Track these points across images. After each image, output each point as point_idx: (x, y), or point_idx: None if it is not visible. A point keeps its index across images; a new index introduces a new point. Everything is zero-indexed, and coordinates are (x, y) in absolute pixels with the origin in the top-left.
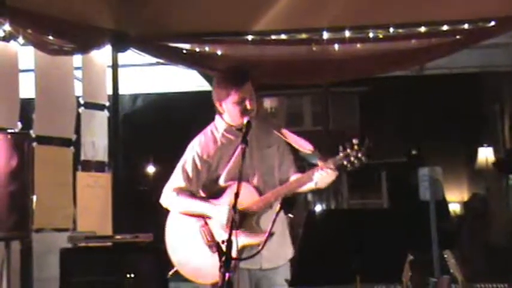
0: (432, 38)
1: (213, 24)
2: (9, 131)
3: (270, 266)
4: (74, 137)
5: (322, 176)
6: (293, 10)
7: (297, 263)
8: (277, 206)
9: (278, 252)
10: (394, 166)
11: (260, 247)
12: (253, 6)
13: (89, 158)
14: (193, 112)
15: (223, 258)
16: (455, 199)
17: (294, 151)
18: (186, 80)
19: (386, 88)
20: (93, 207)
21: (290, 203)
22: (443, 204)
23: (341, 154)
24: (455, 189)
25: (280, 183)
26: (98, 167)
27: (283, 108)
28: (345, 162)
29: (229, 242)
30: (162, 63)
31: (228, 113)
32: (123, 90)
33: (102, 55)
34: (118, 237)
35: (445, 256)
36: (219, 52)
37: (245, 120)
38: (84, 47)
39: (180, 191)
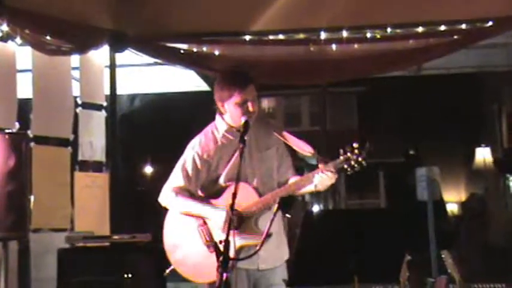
0: (430, 38)
1: (210, 24)
2: (7, 131)
3: (266, 266)
4: (71, 137)
5: (323, 178)
6: (291, 10)
7: (294, 263)
8: (275, 207)
9: (275, 253)
10: (392, 166)
11: (258, 247)
12: (251, 6)
13: (87, 158)
14: (191, 112)
15: (221, 258)
16: (453, 199)
17: (293, 152)
18: (184, 80)
19: (384, 88)
20: (90, 208)
21: (288, 203)
22: (440, 204)
23: (341, 157)
24: (453, 189)
25: (278, 185)
26: (96, 167)
27: (280, 109)
28: (346, 166)
29: (226, 242)
30: (160, 63)
31: (230, 114)
32: (120, 90)
33: (99, 55)
34: (116, 237)
35: (443, 256)
36: (216, 52)
37: (243, 120)
38: (82, 47)
39: (179, 190)
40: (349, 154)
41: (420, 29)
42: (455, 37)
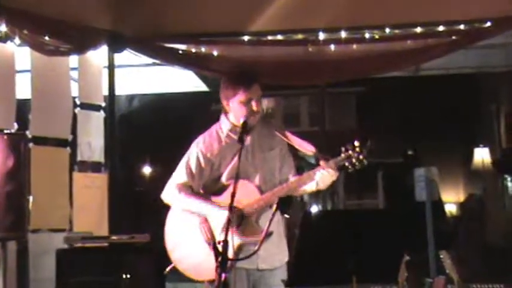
0: (428, 39)
1: (209, 25)
2: (6, 131)
3: (266, 266)
4: (70, 137)
5: (324, 175)
6: (289, 11)
7: (293, 263)
8: (273, 207)
9: (275, 253)
10: (390, 166)
11: (256, 247)
12: (249, 6)
13: (85, 158)
14: (190, 112)
15: (220, 259)
16: (452, 199)
17: (294, 151)
18: (183, 81)
19: (382, 88)
20: (89, 208)
21: (286, 203)
22: (439, 204)
23: (343, 155)
24: (452, 190)
25: (280, 184)
26: (94, 167)
27: (279, 109)
28: (347, 164)
29: (225, 242)
30: (158, 64)
31: (234, 113)
32: (119, 90)
33: (98, 56)
34: (114, 237)
35: (441, 256)
36: (215, 53)
37: (241, 120)
38: (81, 48)
39: (182, 186)
40: (350, 152)
41: (419, 30)
42: (454, 37)
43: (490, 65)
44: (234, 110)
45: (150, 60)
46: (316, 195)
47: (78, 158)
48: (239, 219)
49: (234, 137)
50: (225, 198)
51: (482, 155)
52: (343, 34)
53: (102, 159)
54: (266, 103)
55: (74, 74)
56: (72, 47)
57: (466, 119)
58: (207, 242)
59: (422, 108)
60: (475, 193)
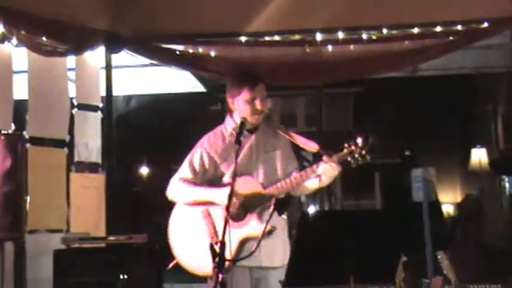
0: (426, 39)
1: (206, 26)
2: (3, 132)
3: (269, 264)
4: (67, 138)
5: (326, 169)
6: (286, 11)
7: (290, 263)
8: (271, 207)
9: (279, 252)
10: (388, 167)
11: (254, 247)
12: (246, 7)
13: (83, 159)
14: (187, 113)
15: (217, 259)
16: (449, 200)
17: (296, 152)
18: (180, 81)
19: (380, 89)
20: (87, 209)
21: (284, 203)
22: (436, 205)
23: (345, 150)
24: (449, 190)
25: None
26: (92, 168)
27: (276, 110)
28: (349, 159)
29: (222, 243)
30: (156, 65)
31: (238, 111)
32: (116, 91)
33: (95, 56)
34: (112, 238)
35: (439, 257)
36: (212, 53)
37: (239, 120)
38: (78, 48)
39: (186, 181)
40: (353, 147)
41: (416, 30)
42: (451, 38)
43: (487, 65)
44: (239, 109)
45: (148, 61)
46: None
47: (76, 159)
48: (242, 214)
49: None
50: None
51: (479, 156)
52: (341, 35)
53: (99, 160)
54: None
55: (72, 75)
56: (70, 47)
57: (463, 120)
58: (210, 236)
59: (419, 108)
60: (472, 193)
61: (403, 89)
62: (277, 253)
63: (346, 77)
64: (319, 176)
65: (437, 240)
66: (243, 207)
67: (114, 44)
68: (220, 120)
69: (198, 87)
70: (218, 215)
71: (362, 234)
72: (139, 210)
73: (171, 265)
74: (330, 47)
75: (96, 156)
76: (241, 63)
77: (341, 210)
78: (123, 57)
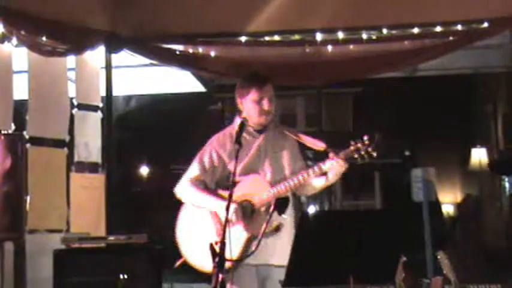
0: (425, 39)
1: (206, 26)
2: (3, 132)
3: (275, 262)
4: (67, 138)
5: (333, 165)
6: (286, 11)
7: (290, 263)
8: (270, 207)
9: (285, 250)
10: (387, 167)
11: (255, 247)
12: (246, 7)
13: (83, 159)
14: (187, 113)
15: (217, 259)
16: (449, 200)
17: (300, 149)
18: (180, 81)
19: (380, 89)
20: (86, 209)
21: (284, 204)
22: (436, 205)
23: (352, 147)
24: (449, 190)
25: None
26: (92, 168)
27: (276, 110)
28: (356, 155)
29: (222, 243)
30: (156, 65)
31: (246, 111)
32: (116, 91)
33: (95, 56)
34: (111, 238)
35: (438, 257)
36: (212, 53)
37: (239, 120)
38: (78, 48)
39: (195, 181)
40: (359, 144)
41: (416, 30)
42: (451, 38)
43: (487, 65)
44: (247, 109)
45: (148, 61)
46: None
47: (76, 159)
48: (250, 212)
49: (246, 136)
50: (235, 193)
51: (479, 156)
52: (340, 35)
53: (99, 160)
54: None
55: (72, 75)
56: (70, 47)
57: (463, 120)
58: (218, 234)
59: (419, 108)
60: (472, 194)
61: (403, 89)
62: (283, 251)
63: (346, 77)
64: (325, 173)
65: (437, 240)
66: (250, 207)
67: (114, 44)
68: (220, 120)
69: (198, 87)
70: (224, 214)
71: (362, 234)
72: (139, 210)
73: (178, 263)
74: (329, 47)
75: (96, 156)
76: (241, 63)
77: (341, 210)
78: (123, 57)
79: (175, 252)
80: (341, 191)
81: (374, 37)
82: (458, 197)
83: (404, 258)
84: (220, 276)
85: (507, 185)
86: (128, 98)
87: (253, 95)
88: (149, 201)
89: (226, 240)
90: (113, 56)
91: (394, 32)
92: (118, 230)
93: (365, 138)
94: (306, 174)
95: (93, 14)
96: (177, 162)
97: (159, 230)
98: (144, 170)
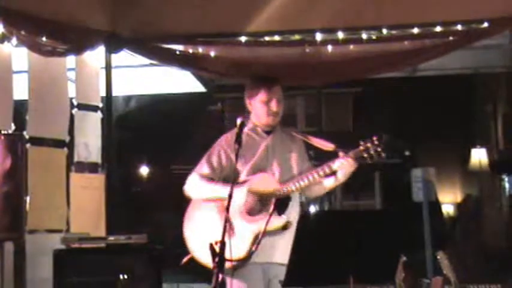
0: (425, 39)
1: (206, 26)
2: (3, 132)
3: (282, 261)
4: (67, 138)
5: (343, 164)
6: (286, 11)
7: (290, 263)
8: (271, 208)
9: (292, 249)
10: (388, 167)
11: (254, 248)
12: (246, 7)
13: (83, 159)
14: (187, 113)
15: (217, 259)
16: (449, 200)
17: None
18: (180, 81)
19: (380, 89)
20: (86, 209)
21: (283, 204)
22: (436, 205)
23: (361, 147)
24: (449, 190)
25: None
26: (92, 168)
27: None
28: (365, 155)
29: (222, 243)
30: (156, 65)
31: (255, 112)
32: (116, 91)
33: (95, 56)
34: (111, 238)
35: (438, 257)
36: (212, 53)
37: (239, 120)
38: (78, 48)
39: (203, 176)
40: (368, 144)
41: (416, 30)
42: (451, 38)
43: (487, 65)
44: (255, 109)
45: (147, 61)
46: None
47: (75, 159)
48: (259, 208)
49: (255, 136)
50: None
51: (479, 156)
52: (340, 35)
53: (99, 160)
54: None
55: (71, 75)
56: (69, 47)
57: (463, 120)
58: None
59: (419, 108)
60: (472, 194)
61: (403, 89)
62: (290, 250)
63: (346, 77)
64: (334, 172)
65: (437, 239)
66: (259, 203)
67: (114, 44)
68: (220, 120)
69: (198, 88)
70: (232, 209)
71: (362, 234)
72: (139, 210)
73: (185, 259)
74: (329, 47)
75: (96, 156)
76: (242, 63)
77: (341, 210)
78: (123, 57)
79: (175, 252)
80: (341, 191)
81: (374, 37)
82: (458, 197)
83: (404, 258)
84: (220, 276)
85: (507, 185)
86: (128, 98)
87: (262, 95)
88: (149, 201)
89: (227, 240)
90: (113, 56)
91: (394, 32)
92: (118, 230)
93: (374, 138)
94: (316, 174)
95: (93, 14)
96: (177, 162)
97: (159, 230)
98: (144, 170)
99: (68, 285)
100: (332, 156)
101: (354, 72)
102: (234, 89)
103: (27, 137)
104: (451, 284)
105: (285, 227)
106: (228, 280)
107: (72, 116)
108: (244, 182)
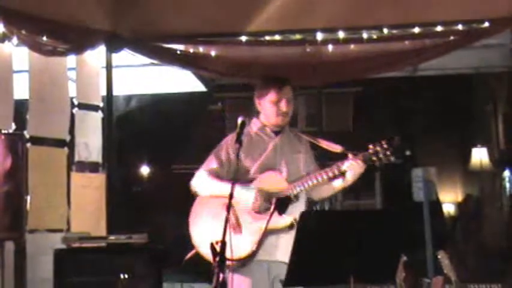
0: (426, 39)
1: (207, 25)
2: (3, 131)
3: (286, 259)
4: (67, 137)
5: (353, 165)
6: (287, 11)
7: (290, 263)
8: (275, 207)
9: None
10: (388, 167)
11: (255, 247)
12: (246, 7)
13: (83, 158)
14: (187, 113)
15: (217, 259)
16: (449, 200)
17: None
18: (180, 81)
19: (380, 89)
20: (87, 208)
21: (284, 204)
22: (437, 204)
23: (370, 150)
24: (449, 190)
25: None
26: (92, 167)
27: None
28: (374, 158)
29: (223, 242)
30: (156, 64)
31: (264, 112)
32: (117, 91)
33: (96, 56)
34: (112, 238)
35: (439, 257)
36: (213, 53)
37: (239, 120)
38: (78, 48)
39: (212, 172)
40: (378, 148)
41: (416, 30)
42: (452, 38)
43: (487, 65)
44: (264, 109)
45: (148, 61)
46: None
47: (76, 158)
48: (265, 208)
49: (263, 136)
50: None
51: (480, 155)
52: (341, 34)
53: (99, 160)
54: None
55: (72, 74)
56: (70, 47)
57: (463, 119)
58: (232, 228)
59: (420, 108)
60: (472, 194)
61: (403, 89)
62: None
63: (346, 77)
64: (343, 174)
65: (438, 239)
66: (267, 201)
67: (114, 44)
68: (220, 119)
69: (199, 87)
70: (240, 207)
71: (362, 233)
72: (140, 210)
73: (189, 255)
74: (330, 47)
75: (96, 156)
76: (242, 62)
77: (342, 210)
78: (124, 56)
79: (176, 251)
80: (342, 190)
81: (374, 37)
82: (458, 196)
83: (404, 258)
84: (221, 276)
85: (507, 185)
86: (129, 98)
87: (271, 96)
88: (150, 200)
89: (228, 239)
90: (114, 55)
91: (394, 31)
92: (118, 230)
93: (383, 141)
94: (325, 174)
95: (93, 14)
96: (178, 161)
97: (159, 230)
98: (144, 170)
99: (69, 285)
100: (338, 157)
101: (354, 72)
102: (235, 89)
103: (27, 136)
104: (452, 283)
105: (291, 226)
106: (232, 275)
107: (72, 116)
108: (252, 179)
